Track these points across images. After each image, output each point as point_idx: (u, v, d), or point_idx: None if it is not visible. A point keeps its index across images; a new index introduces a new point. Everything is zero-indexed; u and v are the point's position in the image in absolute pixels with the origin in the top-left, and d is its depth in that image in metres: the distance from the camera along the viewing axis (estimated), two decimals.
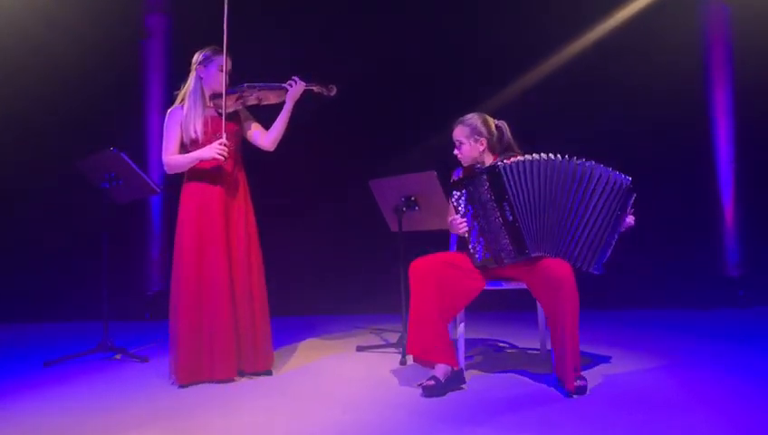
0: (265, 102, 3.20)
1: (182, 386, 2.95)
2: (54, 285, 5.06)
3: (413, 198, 3.47)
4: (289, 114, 3.15)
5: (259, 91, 3.12)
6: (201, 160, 3.06)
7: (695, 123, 4.88)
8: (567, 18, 4.93)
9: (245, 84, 3.09)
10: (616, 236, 2.75)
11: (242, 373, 3.09)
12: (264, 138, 3.21)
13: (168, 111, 3.16)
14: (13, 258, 5.13)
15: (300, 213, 5.03)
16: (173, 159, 3.11)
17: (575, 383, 2.62)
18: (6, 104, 5.13)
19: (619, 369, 3.03)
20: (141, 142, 5.16)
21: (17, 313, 5.02)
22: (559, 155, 2.74)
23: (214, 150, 3.00)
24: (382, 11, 5.07)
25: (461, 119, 3.03)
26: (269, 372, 3.15)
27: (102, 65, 5.07)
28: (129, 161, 3.46)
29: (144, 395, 2.86)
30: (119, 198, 3.68)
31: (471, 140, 2.97)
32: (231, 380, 3.01)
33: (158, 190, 3.68)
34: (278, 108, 3.17)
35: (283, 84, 3.11)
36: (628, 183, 2.77)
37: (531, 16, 4.97)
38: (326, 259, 5.02)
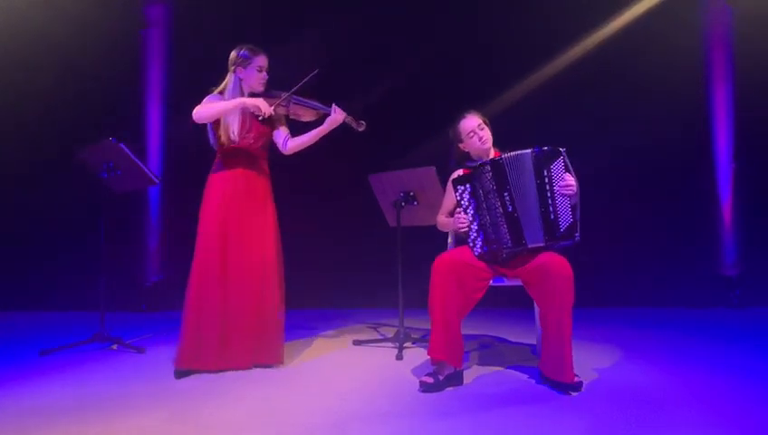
0: (297, 118, 3.26)
1: (179, 371, 2.99)
2: (51, 274, 5.06)
3: (412, 193, 3.48)
4: (321, 137, 3.23)
5: (298, 105, 3.18)
6: (241, 106, 3.09)
7: (695, 123, 4.89)
8: (570, 19, 4.93)
9: (288, 94, 3.12)
10: (552, 202, 2.72)
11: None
12: (287, 142, 3.27)
13: (207, 97, 3.16)
14: (10, 247, 5.12)
15: (299, 208, 5.02)
16: (206, 105, 3.09)
17: (575, 379, 2.64)
18: (6, 94, 5.12)
19: (613, 366, 3.04)
20: (141, 132, 5.15)
21: (13, 301, 5.02)
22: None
23: (259, 102, 3.05)
24: (382, 10, 5.06)
25: (465, 114, 3.07)
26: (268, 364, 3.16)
27: (103, 55, 5.06)
28: (129, 151, 3.46)
29: (142, 385, 2.87)
30: (117, 187, 3.67)
31: (486, 125, 3.07)
32: (217, 371, 3.01)
33: (157, 181, 3.67)
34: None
35: (325, 108, 3.19)
36: (529, 154, 2.75)
37: (533, 17, 4.97)
38: (324, 254, 5.02)
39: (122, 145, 3.44)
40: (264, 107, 3.07)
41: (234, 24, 4.88)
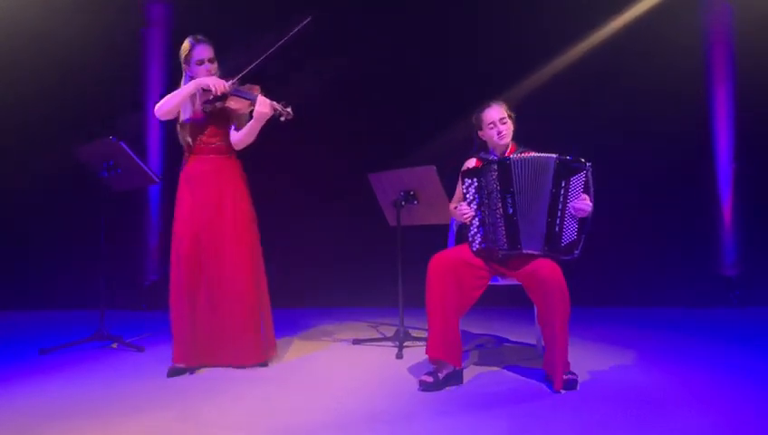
0: (235, 111, 3.10)
1: (171, 370, 3.00)
2: (51, 273, 5.05)
3: (412, 193, 3.47)
4: (256, 131, 3.09)
5: (234, 97, 3.06)
6: (195, 88, 3.03)
7: (695, 123, 4.88)
8: (570, 19, 4.92)
9: (230, 83, 3.03)
10: (560, 216, 2.69)
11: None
12: (232, 136, 3.16)
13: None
14: (10, 247, 5.11)
15: (299, 206, 5.03)
16: (165, 98, 3.08)
17: (564, 377, 2.65)
18: (6, 92, 5.11)
19: (612, 365, 3.04)
20: (141, 131, 5.14)
21: (12, 300, 5.01)
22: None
23: (210, 79, 2.99)
24: (383, 8, 5.05)
25: (491, 102, 2.98)
26: (263, 364, 3.15)
27: (103, 54, 5.05)
28: (129, 150, 3.46)
29: (141, 384, 2.87)
30: (117, 186, 3.67)
31: (509, 118, 2.95)
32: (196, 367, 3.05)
33: (157, 180, 3.67)
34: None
35: (252, 97, 3.03)
36: (552, 159, 2.72)
37: (533, 18, 4.96)
38: (324, 253, 5.01)
39: (122, 143, 3.43)
40: (214, 84, 2.98)
41: (234, 24, 4.88)
